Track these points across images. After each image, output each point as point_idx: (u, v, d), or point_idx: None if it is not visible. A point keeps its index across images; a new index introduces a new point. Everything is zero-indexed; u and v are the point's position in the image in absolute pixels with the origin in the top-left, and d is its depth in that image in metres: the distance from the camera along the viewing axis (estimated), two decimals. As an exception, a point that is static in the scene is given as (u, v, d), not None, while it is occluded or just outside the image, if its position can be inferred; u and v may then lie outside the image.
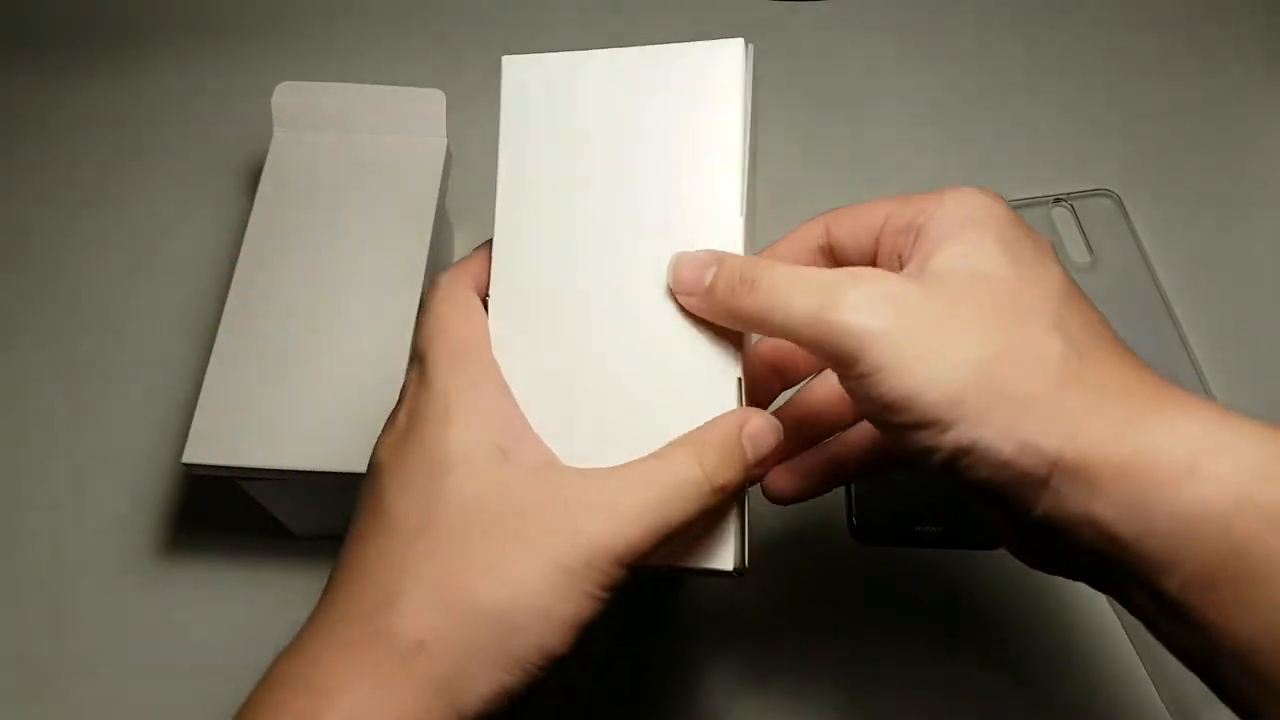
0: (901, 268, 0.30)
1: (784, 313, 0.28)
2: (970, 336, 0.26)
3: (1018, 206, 0.57)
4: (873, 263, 0.32)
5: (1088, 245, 0.56)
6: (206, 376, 0.42)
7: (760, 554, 0.48)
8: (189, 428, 0.40)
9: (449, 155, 0.48)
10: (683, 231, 0.32)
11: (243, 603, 0.47)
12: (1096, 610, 0.47)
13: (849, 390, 0.28)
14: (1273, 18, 0.65)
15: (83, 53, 0.64)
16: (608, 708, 0.45)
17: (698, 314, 0.30)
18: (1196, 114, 0.62)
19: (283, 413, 0.41)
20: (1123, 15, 0.66)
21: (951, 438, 0.26)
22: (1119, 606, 0.46)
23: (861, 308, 0.27)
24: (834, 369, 0.28)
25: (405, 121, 0.48)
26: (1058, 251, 0.55)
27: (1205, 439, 0.25)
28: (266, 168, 0.47)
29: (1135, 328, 0.53)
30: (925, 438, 0.26)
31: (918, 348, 0.26)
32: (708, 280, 0.29)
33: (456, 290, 0.32)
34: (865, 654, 0.46)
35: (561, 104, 0.33)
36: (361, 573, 0.28)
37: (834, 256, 0.33)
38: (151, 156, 0.60)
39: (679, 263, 0.30)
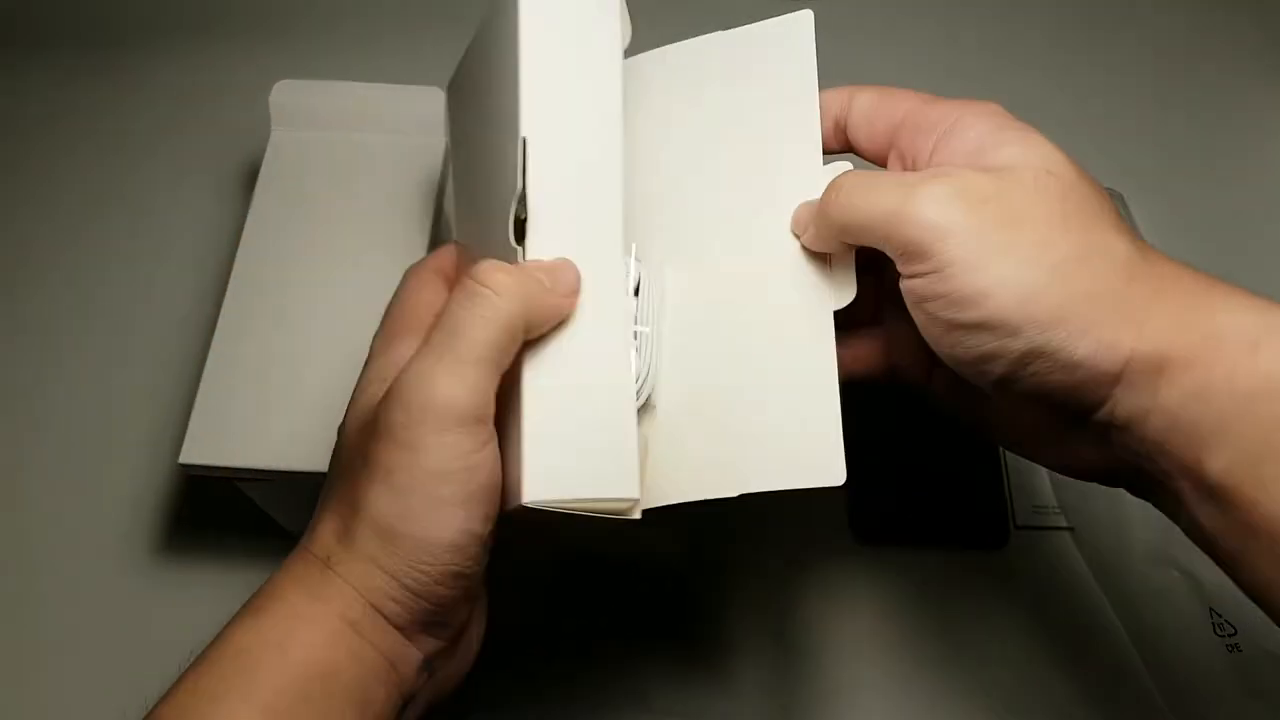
0: (914, 165, 0.30)
1: (865, 211, 0.28)
2: (1046, 235, 0.26)
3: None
4: (884, 152, 0.32)
5: (1088, 245, 0.56)
6: (204, 377, 0.41)
7: (761, 554, 0.48)
8: (186, 428, 0.40)
9: (449, 154, 0.48)
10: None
11: (240, 603, 0.47)
12: (1099, 609, 0.47)
13: (912, 290, 0.28)
14: (1273, 19, 0.65)
15: (81, 52, 0.63)
16: (603, 709, 0.45)
17: (811, 246, 0.31)
18: (1199, 114, 0.62)
19: (280, 413, 0.41)
20: (1124, 16, 0.66)
21: (1023, 341, 0.26)
22: (1119, 605, 0.46)
23: (938, 202, 0.26)
24: (903, 268, 0.28)
25: (405, 121, 0.48)
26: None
27: (1266, 321, 0.25)
28: (265, 167, 0.47)
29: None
30: (992, 339, 0.26)
31: (992, 244, 0.26)
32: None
33: (416, 273, 0.34)
34: (865, 653, 0.46)
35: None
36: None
37: (845, 133, 0.33)
38: (149, 155, 0.60)
39: (801, 207, 0.32)
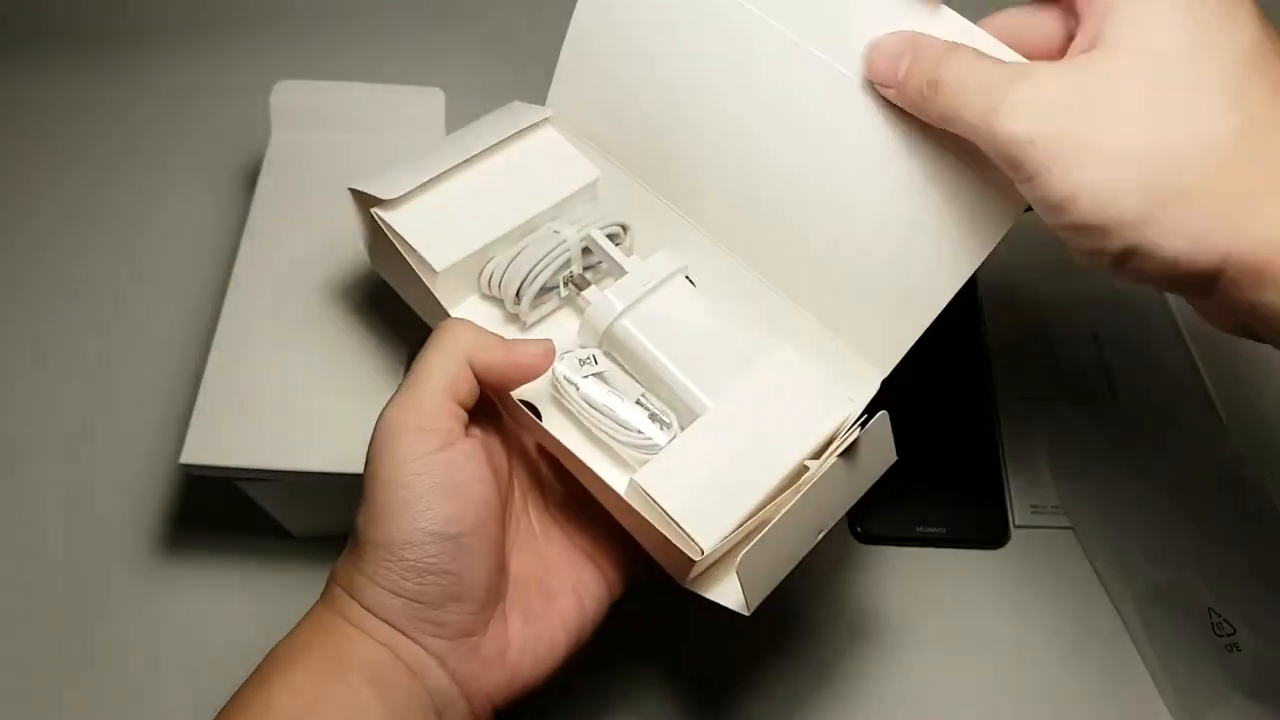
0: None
1: (960, 120, 0.28)
2: (1132, 128, 0.25)
3: (1019, 205, 0.57)
4: None
5: (1089, 244, 0.56)
6: (204, 377, 0.41)
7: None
8: (187, 428, 0.40)
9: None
10: None
11: (241, 603, 0.47)
12: (1100, 610, 0.47)
13: (1020, 192, 0.28)
14: (1272, 17, 0.65)
15: (81, 52, 0.63)
16: (602, 709, 0.45)
17: (896, 103, 0.31)
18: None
19: (281, 413, 0.41)
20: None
21: (1116, 240, 0.25)
22: (1121, 605, 0.46)
23: (1019, 112, 0.26)
24: (1006, 171, 0.28)
25: (405, 121, 0.48)
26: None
27: None
28: (265, 166, 0.47)
29: (1137, 326, 0.53)
30: (1090, 240, 0.26)
31: (1076, 146, 0.25)
32: (901, 72, 0.30)
33: None
34: (865, 653, 0.46)
35: None
36: None
37: None
38: (150, 156, 0.60)
39: (873, 52, 0.31)
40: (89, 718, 0.45)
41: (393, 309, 0.44)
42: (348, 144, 0.48)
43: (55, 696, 0.45)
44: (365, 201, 0.38)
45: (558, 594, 0.34)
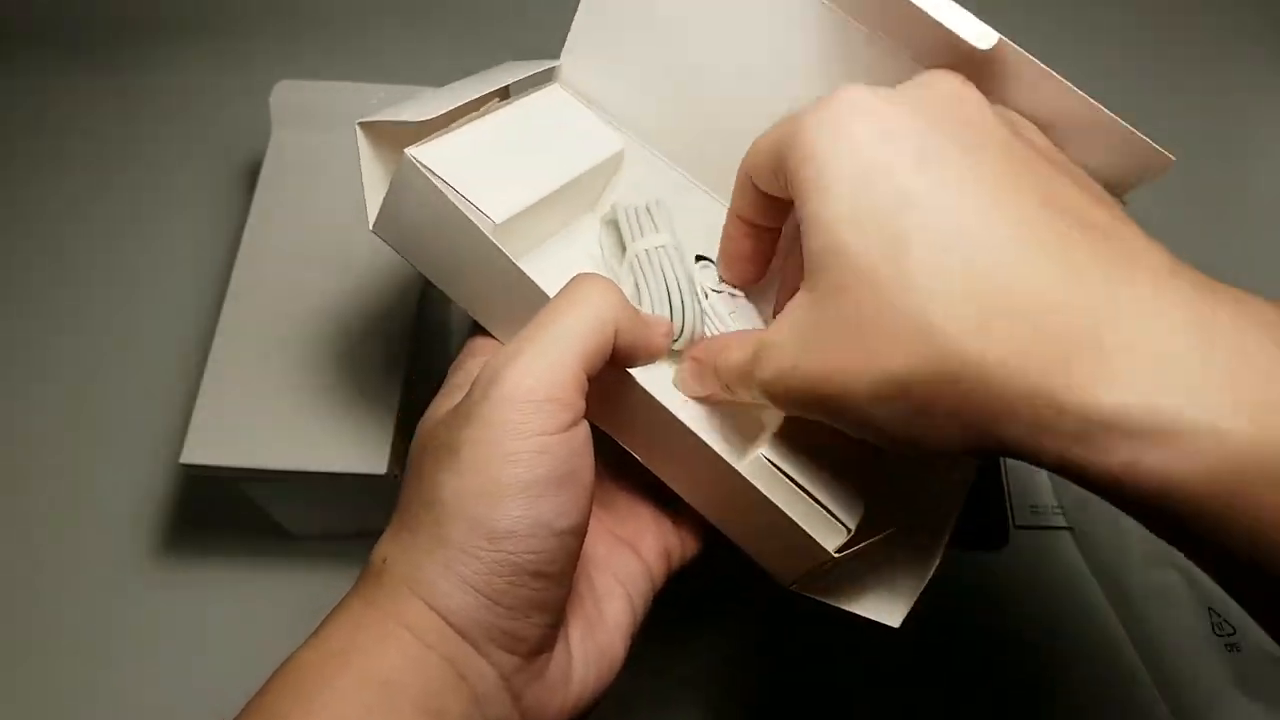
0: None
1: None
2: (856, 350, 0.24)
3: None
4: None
5: (1089, 245, 0.56)
6: (205, 376, 0.41)
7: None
8: (187, 428, 0.40)
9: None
10: None
11: (241, 603, 0.47)
12: (1099, 610, 0.47)
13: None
14: (1273, 16, 0.65)
15: (82, 52, 0.63)
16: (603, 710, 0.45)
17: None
18: (1197, 112, 0.62)
19: (282, 413, 0.41)
20: (1123, 14, 0.66)
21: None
22: (1119, 605, 0.46)
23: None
24: None
25: (405, 121, 0.48)
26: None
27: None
28: (265, 167, 0.47)
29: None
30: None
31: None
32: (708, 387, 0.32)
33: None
34: (865, 653, 0.46)
35: None
36: None
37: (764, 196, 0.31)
38: (150, 156, 0.60)
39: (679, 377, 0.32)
40: (89, 717, 0.45)
41: (394, 307, 0.44)
42: (348, 144, 0.48)
43: (55, 696, 0.45)
44: (387, 139, 0.32)
45: (606, 594, 0.30)
